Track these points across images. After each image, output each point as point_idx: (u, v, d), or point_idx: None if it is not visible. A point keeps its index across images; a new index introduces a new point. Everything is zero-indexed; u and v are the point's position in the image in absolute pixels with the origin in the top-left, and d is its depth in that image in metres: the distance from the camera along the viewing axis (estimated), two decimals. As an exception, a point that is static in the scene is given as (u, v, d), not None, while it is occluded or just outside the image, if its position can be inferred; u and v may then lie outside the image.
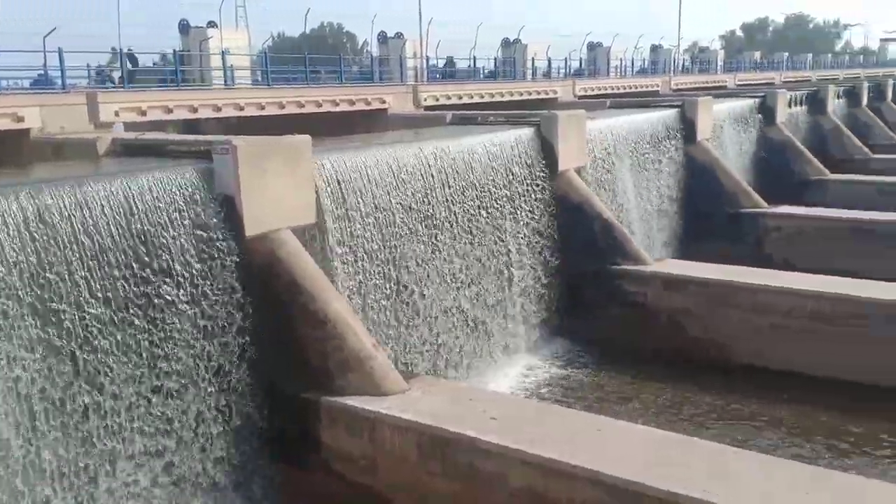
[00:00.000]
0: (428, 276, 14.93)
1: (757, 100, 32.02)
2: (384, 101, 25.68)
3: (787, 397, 14.80)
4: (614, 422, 10.99)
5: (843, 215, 23.17)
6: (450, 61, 37.37)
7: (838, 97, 40.67)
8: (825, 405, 14.43)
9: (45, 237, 9.41)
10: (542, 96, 33.49)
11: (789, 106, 33.76)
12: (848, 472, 11.21)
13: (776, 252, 22.79)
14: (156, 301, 10.39)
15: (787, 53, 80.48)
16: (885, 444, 13.21)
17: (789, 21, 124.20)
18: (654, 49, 57.61)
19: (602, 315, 17.80)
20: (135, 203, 10.36)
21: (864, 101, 43.92)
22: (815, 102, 37.91)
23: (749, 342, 16.31)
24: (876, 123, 42.70)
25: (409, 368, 14.10)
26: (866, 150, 36.90)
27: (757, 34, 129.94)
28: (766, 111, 31.71)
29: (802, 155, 30.91)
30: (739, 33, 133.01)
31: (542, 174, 18.03)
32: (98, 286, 9.80)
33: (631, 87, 41.30)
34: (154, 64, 29.70)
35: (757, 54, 73.94)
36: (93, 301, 9.72)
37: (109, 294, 9.92)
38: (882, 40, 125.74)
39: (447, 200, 15.45)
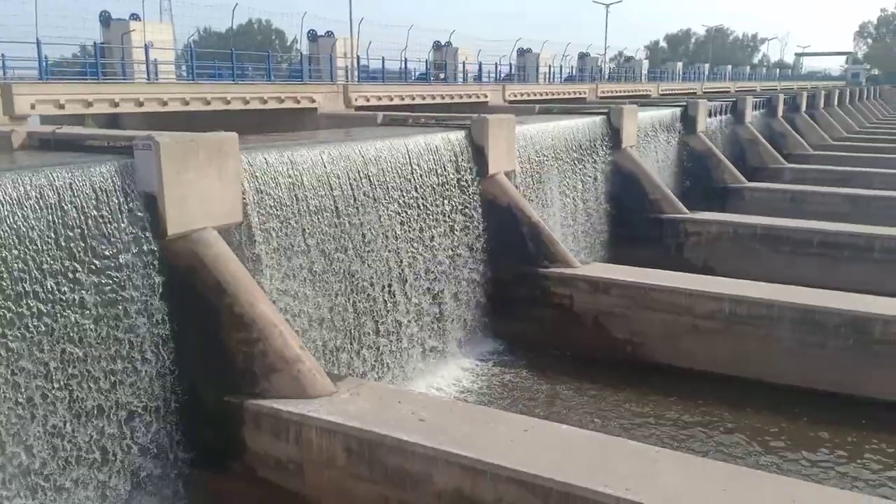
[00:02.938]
0: (355, 277, 14.81)
1: (679, 109, 32.98)
2: (314, 100, 25.40)
3: (708, 397, 15.26)
4: (541, 422, 11.13)
5: (757, 221, 24.08)
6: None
7: (756, 108, 42.37)
8: (753, 407, 14.86)
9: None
10: (473, 100, 33.79)
11: (710, 116, 34.96)
12: (771, 470, 11.64)
13: (695, 256, 23.66)
14: (63, 302, 9.91)
15: (707, 64, 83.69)
16: (810, 444, 13.60)
17: (710, 34, 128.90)
18: (582, 57, 58.93)
19: (531, 316, 18.06)
20: (47, 199, 9.88)
21: (780, 111, 45.99)
22: (734, 113, 39.43)
23: (669, 343, 16.80)
24: (790, 133, 44.74)
25: (336, 371, 13.96)
26: (781, 159, 38.65)
27: (680, 45, 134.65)
28: (688, 120, 32.70)
29: (722, 163, 32.07)
30: (663, 44, 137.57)
31: (471, 177, 18.14)
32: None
33: (559, 94, 42.12)
34: (73, 56, 28.54)
35: (679, 65, 76.47)
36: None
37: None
38: (797, 54, 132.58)
39: (376, 201, 15.36)
